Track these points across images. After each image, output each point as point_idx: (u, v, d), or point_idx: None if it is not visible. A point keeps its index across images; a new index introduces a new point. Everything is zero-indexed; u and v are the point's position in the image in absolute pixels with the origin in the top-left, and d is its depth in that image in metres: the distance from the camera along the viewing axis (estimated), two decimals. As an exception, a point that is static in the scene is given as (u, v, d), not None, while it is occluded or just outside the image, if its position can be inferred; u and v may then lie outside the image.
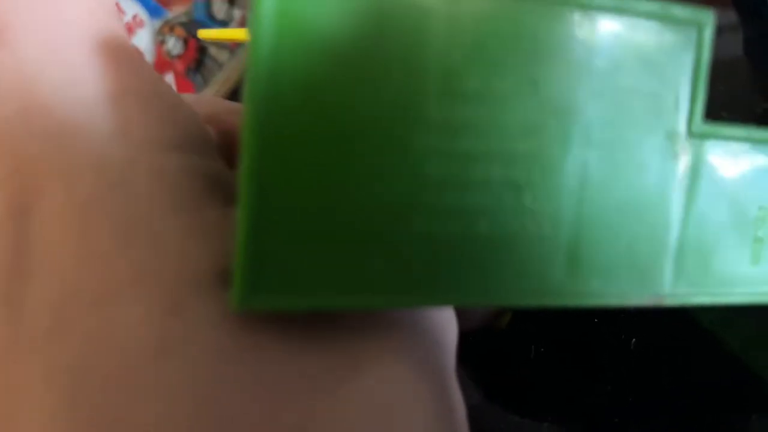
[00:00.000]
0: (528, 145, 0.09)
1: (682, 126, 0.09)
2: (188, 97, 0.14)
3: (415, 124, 0.08)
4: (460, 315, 0.13)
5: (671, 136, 0.09)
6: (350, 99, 0.08)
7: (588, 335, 0.22)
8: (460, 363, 0.12)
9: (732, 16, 0.34)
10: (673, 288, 0.10)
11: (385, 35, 0.08)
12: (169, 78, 0.40)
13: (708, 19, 0.09)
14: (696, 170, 0.10)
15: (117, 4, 0.11)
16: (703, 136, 0.10)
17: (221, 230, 0.09)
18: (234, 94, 0.40)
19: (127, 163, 0.09)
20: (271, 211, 0.08)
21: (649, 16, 0.09)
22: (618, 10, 0.09)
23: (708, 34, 0.09)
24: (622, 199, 0.09)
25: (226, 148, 0.13)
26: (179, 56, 0.41)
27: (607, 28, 0.09)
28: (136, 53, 0.11)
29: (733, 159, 0.10)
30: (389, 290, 0.08)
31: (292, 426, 0.08)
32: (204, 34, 0.13)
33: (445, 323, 0.12)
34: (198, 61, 0.43)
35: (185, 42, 0.42)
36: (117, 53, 0.10)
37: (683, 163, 0.10)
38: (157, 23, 0.43)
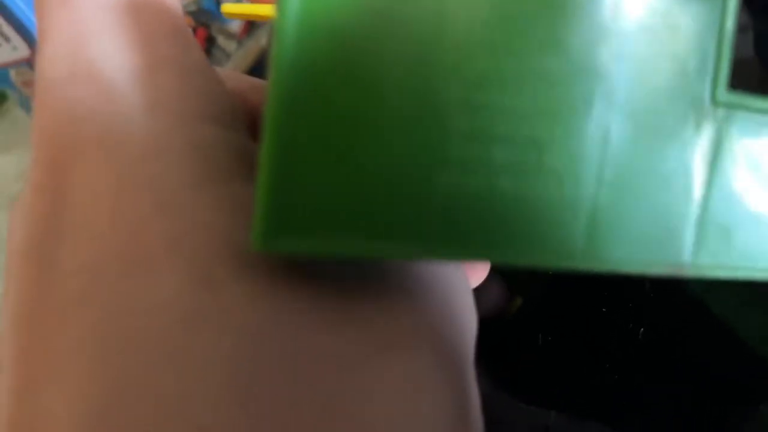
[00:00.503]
0: (552, 104, 0.09)
1: (706, 93, 0.09)
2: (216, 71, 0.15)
3: (442, 75, 0.08)
4: (475, 301, 0.13)
5: (695, 103, 0.09)
6: (376, 53, 0.08)
7: (596, 324, 0.22)
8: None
9: (742, 16, 0.34)
10: (694, 258, 0.10)
11: None
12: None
13: (734, -15, 0.09)
14: (719, 139, 0.10)
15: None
16: (728, 106, 0.10)
17: (248, 204, 0.09)
18: (251, 72, 0.40)
19: (164, 133, 0.09)
20: (296, 157, 0.08)
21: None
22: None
23: (732, 2, 0.09)
24: (644, 165, 0.09)
25: (251, 123, 0.13)
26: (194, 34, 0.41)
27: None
28: (180, 22, 0.11)
29: (757, 131, 0.10)
30: (409, 240, 0.08)
31: (321, 403, 0.08)
32: (229, 8, 0.13)
33: (468, 314, 0.12)
34: (206, 51, 0.43)
35: (194, 31, 0.42)
36: (161, 22, 0.10)
37: (707, 131, 0.10)
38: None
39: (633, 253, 0.09)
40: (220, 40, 0.43)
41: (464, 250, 0.08)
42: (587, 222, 0.09)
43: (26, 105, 0.40)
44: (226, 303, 0.08)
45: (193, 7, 0.42)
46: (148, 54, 0.10)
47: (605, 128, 0.09)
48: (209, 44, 0.44)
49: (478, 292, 0.15)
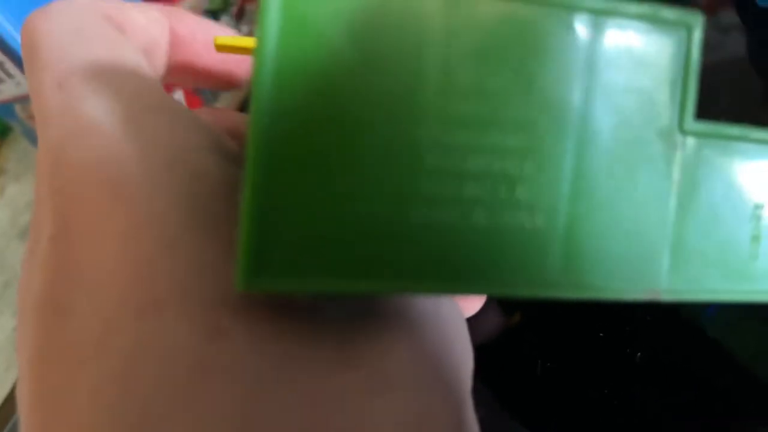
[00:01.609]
0: (522, 140, 0.09)
1: (674, 123, 0.10)
2: (209, 110, 0.15)
3: (415, 117, 0.08)
4: (471, 328, 0.13)
5: (664, 133, 0.10)
6: (351, 94, 0.08)
7: (594, 348, 0.22)
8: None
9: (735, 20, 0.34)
10: (670, 283, 0.10)
11: (384, 35, 0.08)
12: (179, 95, 0.40)
13: (696, 21, 0.10)
14: (690, 167, 0.10)
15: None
16: (696, 134, 0.10)
17: None
18: (243, 108, 0.41)
19: (163, 169, 0.10)
20: (274, 198, 0.08)
21: (640, 17, 0.09)
22: (609, 12, 0.09)
23: (697, 35, 0.10)
24: (617, 195, 0.10)
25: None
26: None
27: (599, 29, 0.09)
28: (154, 80, 0.12)
29: (727, 156, 0.10)
30: (387, 276, 0.08)
31: None
32: (221, 40, 0.15)
33: (464, 344, 0.12)
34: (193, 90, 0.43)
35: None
36: (140, 80, 0.11)
37: (677, 160, 0.10)
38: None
39: (609, 280, 0.10)
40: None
41: (442, 283, 0.09)
42: (562, 252, 0.09)
43: (31, 137, 0.41)
44: (234, 351, 0.08)
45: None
46: (135, 103, 0.10)
47: (577, 161, 0.09)
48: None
49: (474, 318, 0.15)
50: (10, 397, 0.35)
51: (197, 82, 0.16)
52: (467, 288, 0.09)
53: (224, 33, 0.15)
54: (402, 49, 0.08)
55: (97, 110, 0.10)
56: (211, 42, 0.15)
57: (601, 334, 0.22)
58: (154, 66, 0.14)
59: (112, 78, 0.11)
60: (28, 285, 0.10)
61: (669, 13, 0.09)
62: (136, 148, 0.10)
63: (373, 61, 0.08)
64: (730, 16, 0.33)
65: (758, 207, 0.11)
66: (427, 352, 0.10)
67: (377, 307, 0.10)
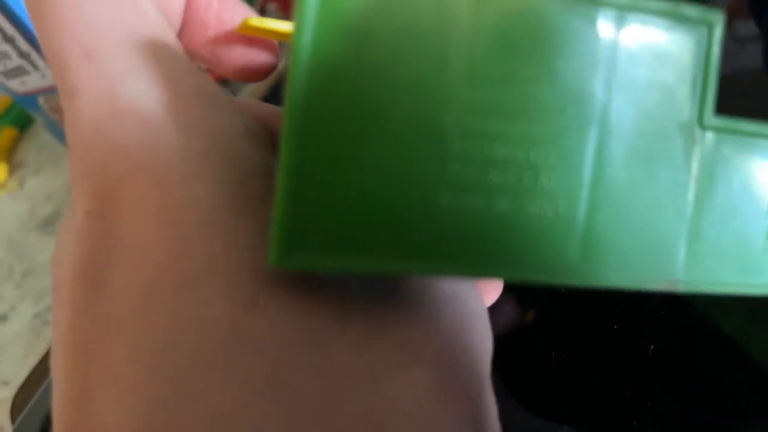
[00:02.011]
0: (546, 130, 0.09)
1: (694, 118, 0.10)
2: (236, 101, 0.15)
3: (443, 103, 0.09)
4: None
5: (684, 127, 0.10)
6: (380, 81, 0.09)
7: (608, 340, 0.22)
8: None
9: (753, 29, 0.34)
10: (687, 274, 0.10)
11: (413, 25, 0.09)
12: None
13: (718, 18, 0.10)
14: (709, 161, 0.10)
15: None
16: (715, 129, 0.10)
17: None
18: (266, 100, 0.41)
19: (202, 154, 0.10)
20: (308, 179, 0.08)
21: (662, 14, 0.10)
22: (633, 8, 0.09)
23: (718, 32, 0.10)
24: (637, 186, 0.10)
25: (275, 146, 0.13)
26: (207, 71, 0.42)
27: (623, 23, 0.09)
28: (190, 63, 0.11)
29: (744, 152, 0.11)
30: (412, 257, 0.09)
31: (357, 412, 0.09)
32: (252, 21, 0.14)
33: (484, 330, 0.12)
34: (223, 80, 0.44)
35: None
36: (179, 62, 0.11)
37: (696, 153, 0.10)
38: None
39: (627, 270, 0.10)
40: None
41: (465, 266, 0.09)
42: (582, 240, 0.10)
43: (53, 129, 0.42)
44: (269, 322, 0.09)
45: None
46: (175, 87, 0.11)
47: (599, 152, 0.10)
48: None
49: (492, 310, 0.15)
50: (27, 382, 0.36)
51: (198, 56, 0.15)
52: (489, 272, 0.09)
53: (243, 11, 0.14)
54: (430, 38, 0.09)
55: (136, 92, 0.10)
56: (225, 14, 0.14)
57: (615, 327, 0.22)
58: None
59: (145, 51, 0.11)
60: (64, 256, 0.10)
61: (691, 10, 0.10)
62: (176, 134, 0.10)
63: (402, 50, 0.09)
64: (745, 27, 0.33)
65: (772, 202, 0.11)
66: (448, 331, 0.11)
67: (400, 287, 0.11)
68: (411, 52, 0.09)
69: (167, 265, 0.09)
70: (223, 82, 0.44)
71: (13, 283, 0.41)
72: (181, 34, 0.14)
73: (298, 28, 0.08)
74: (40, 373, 0.35)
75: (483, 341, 0.12)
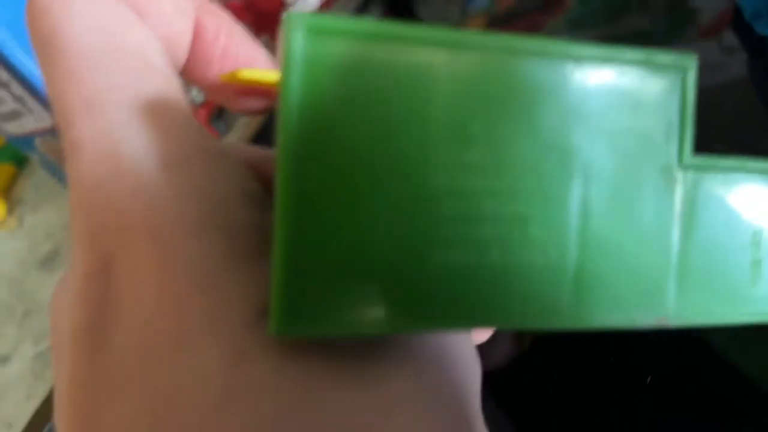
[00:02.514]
0: (531, 183, 0.10)
1: (673, 160, 0.10)
2: (226, 146, 0.15)
3: (429, 166, 0.09)
4: (484, 354, 0.13)
5: (664, 169, 0.10)
6: (369, 149, 0.09)
7: (604, 373, 0.22)
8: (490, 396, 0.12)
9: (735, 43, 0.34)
10: (677, 310, 0.11)
11: (397, 90, 0.09)
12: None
13: (691, 63, 0.10)
14: (691, 199, 0.11)
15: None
16: (695, 168, 0.11)
17: None
18: (257, 139, 0.42)
19: (200, 218, 0.10)
20: (303, 248, 0.09)
21: (635, 63, 0.10)
22: (606, 59, 0.10)
23: (692, 76, 0.10)
24: (623, 229, 0.10)
25: (266, 191, 0.14)
26: (202, 105, 0.42)
27: (598, 75, 0.10)
28: (191, 116, 0.12)
29: (725, 188, 0.11)
30: (409, 315, 0.09)
31: None
32: (245, 74, 0.14)
33: (472, 364, 0.12)
34: (220, 108, 0.44)
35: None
36: (179, 117, 0.11)
37: (678, 193, 0.11)
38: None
39: (619, 310, 0.10)
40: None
41: (463, 319, 0.09)
42: (573, 285, 0.10)
43: (50, 168, 0.42)
44: (258, 372, 0.09)
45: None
46: (176, 145, 0.11)
47: (583, 198, 0.10)
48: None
49: (486, 345, 0.16)
50: (31, 425, 0.36)
51: (199, 86, 0.15)
52: (486, 322, 0.09)
53: (249, 47, 0.14)
54: (412, 100, 0.09)
55: (137, 152, 0.10)
56: (230, 50, 0.14)
57: (611, 359, 0.22)
58: (173, 61, 0.13)
59: (149, 107, 0.11)
60: (63, 316, 0.11)
61: (664, 57, 0.10)
62: (176, 197, 0.10)
63: (385, 116, 0.09)
64: (734, 38, 0.33)
65: (757, 233, 0.11)
66: (433, 371, 0.11)
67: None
68: (394, 118, 0.09)
69: (164, 327, 0.09)
70: (219, 114, 0.44)
71: (14, 323, 0.42)
72: (185, 65, 0.14)
73: (285, 92, 0.09)
74: (42, 415, 0.35)
75: (471, 378, 0.12)
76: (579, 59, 0.10)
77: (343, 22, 0.09)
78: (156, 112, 0.11)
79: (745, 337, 0.22)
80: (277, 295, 0.08)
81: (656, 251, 0.10)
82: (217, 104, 0.44)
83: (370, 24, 0.09)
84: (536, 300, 0.10)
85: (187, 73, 0.14)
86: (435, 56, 0.09)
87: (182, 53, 0.13)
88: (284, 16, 0.09)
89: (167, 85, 0.11)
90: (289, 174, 0.09)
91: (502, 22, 0.43)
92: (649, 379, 0.21)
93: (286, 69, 0.09)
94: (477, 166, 0.09)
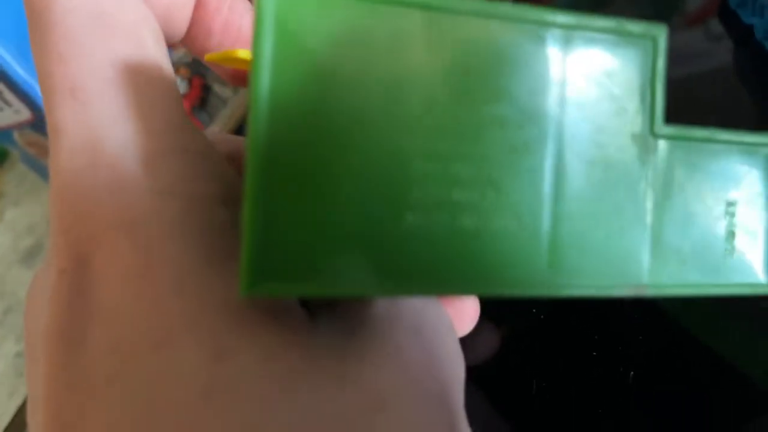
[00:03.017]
0: (505, 148, 0.10)
1: (645, 128, 0.10)
2: (209, 139, 0.15)
3: (400, 127, 0.09)
4: (468, 348, 0.13)
5: (636, 138, 0.10)
6: (341, 112, 0.09)
7: (588, 368, 0.23)
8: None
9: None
10: (652, 279, 0.11)
11: (370, 55, 0.09)
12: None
13: (661, 32, 0.10)
14: (663, 168, 0.11)
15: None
16: (667, 137, 0.11)
17: None
18: (240, 130, 0.41)
19: (179, 216, 0.10)
20: (273, 207, 0.09)
21: (607, 31, 0.10)
22: (578, 27, 0.10)
23: (662, 45, 0.10)
24: (597, 197, 0.10)
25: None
26: (185, 95, 0.42)
27: (570, 42, 0.10)
28: (182, 110, 0.11)
29: (697, 158, 0.11)
30: (382, 277, 0.09)
31: None
32: (211, 56, 0.14)
33: (455, 358, 0.12)
34: (203, 99, 0.44)
35: (189, 81, 0.44)
36: (167, 112, 0.11)
37: (650, 162, 0.11)
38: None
39: (594, 278, 0.10)
40: (216, 87, 0.45)
41: (435, 284, 0.09)
42: (548, 252, 0.10)
43: (29, 162, 0.41)
44: (240, 369, 0.09)
45: (188, 59, 0.44)
46: (159, 141, 0.10)
47: (557, 166, 0.10)
48: (206, 92, 0.45)
49: (470, 339, 0.15)
50: (13, 423, 0.35)
51: (199, 57, 0.14)
52: (458, 288, 0.09)
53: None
54: (387, 65, 0.09)
55: (117, 144, 0.10)
56: (232, 23, 0.13)
57: (594, 353, 0.22)
58: (172, 31, 0.13)
59: (134, 96, 0.10)
60: (37, 312, 0.10)
61: (634, 26, 0.10)
62: (155, 195, 0.10)
63: (361, 82, 0.09)
64: (720, 25, 0.33)
65: (731, 204, 0.11)
66: (415, 367, 0.11)
67: (365, 322, 0.11)
68: (370, 83, 0.09)
69: (142, 326, 0.09)
70: (201, 104, 0.44)
71: (-5, 319, 0.41)
72: (185, 35, 0.13)
73: (257, 64, 0.08)
74: (25, 413, 0.34)
75: (454, 371, 0.12)
76: (550, 25, 0.10)
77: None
78: (141, 103, 0.10)
79: (727, 328, 0.22)
80: (247, 254, 0.08)
81: (630, 220, 0.10)
82: (199, 95, 0.43)
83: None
84: (511, 267, 0.10)
85: (187, 44, 0.14)
86: (409, 20, 0.09)
87: (182, 23, 0.13)
88: None
89: (157, 71, 0.11)
90: (260, 134, 0.08)
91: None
92: (632, 374, 0.21)
93: (257, 33, 0.08)
94: (449, 130, 0.09)
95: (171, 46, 0.13)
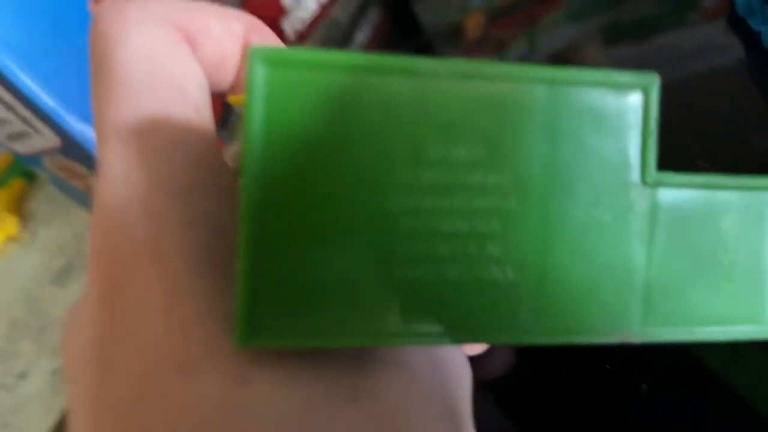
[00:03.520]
0: (488, 201, 0.10)
1: (636, 177, 0.10)
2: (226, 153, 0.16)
3: (386, 186, 0.09)
4: (482, 364, 0.13)
5: (626, 186, 0.10)
6: (328, 172, 0.09)
7: (601, 379, 0.23)
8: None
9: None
10: (642, 327, 0.11)
11: (358, 113, 0.09)
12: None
13: (652, 82, 0.10)
14: (654, 216, 0.11)
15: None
16: (658, 185, 0.11)
17: None
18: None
19: (205, 247, 0.11)
20: (265, 267, 0.09)
21: (596, 83, 0.10)
22: (565, 82, 0.10)
23: (654, 95, 0.10)
24: (586, 246, 0.10)
25: None
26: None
27: (559, 96, 0.10)
28: (213, 147, 0.12)
29: (689, 204, 0.11)
30: (373, 329, 0.09)
31: None
32: (234, 99, 0.15)
33: (461, 370, 0.13)
34: (223, 117, 0.45)
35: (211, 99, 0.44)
36: (197, 150, 0.12)
37: (643, 210, 0.11)
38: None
39: (581, 328, 0.10)
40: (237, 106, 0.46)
41: (423, 334, 0.10)
42: (533, 300, 0.10)
43: (59, 184, 0.43)
44: (257, 396, 0.10)
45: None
46: (190, 177, 0.11)
47: (544, 218, 0.10)
48: (226, 111, 0.46)
49: (486, 355, 0.16)
50: (48, 437, 0.37)
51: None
52: (444, 338, 0.10)
53: None
54: (373, 125, 0.09)
55: (152, 179, 0.11)
56: None
57: (607, 367, 0.22)
58: (220, 82, 0.14)
59: (172, 137, 0.11)
60: (77, 338, 0.11)
61: (624, 77, 0.10)
62: (181, 227, 0.11)
63: (348, 140, 0.09)
64: (726, 26, 0.33)
65: (725, 251, 0.11)
66: (424, 381, 0.11)
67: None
68: (353, 142, 0.09)
69: (169, 352, 0.10)
70: (222, 123, 0.45)
71: (30, 339, 0.42)
72: (234, 84, 0.15)
73: (248, 120, 0.09)
74: (61, 429, 0.35)
75: (462, 384, 0.12)
76: (540, 82, 0.10)
77: (303, 54, 0.09)
78: (177, 145, 0.11)
79: (735, 354, 0.22)
80: (240, 309, 0.09)
81: (620, 269, 0.10)
82: (220, 113, 0.44)
83: (328, 55, 0.09)
84: (495, 316, 0.10)
85: (235, 91, 0.15)
86: (394, 84, 0.09)
87: (231, 73, 0.14)
88: (248, 49, 0.09)
89: (197, 117, 0.12)
90: (252, 196, 0.09)
91: (502, 15, 0.43)
92: (644, 386, 0.21)
93: (248, 99, 0.09)
94: (433, 187, 0.09)
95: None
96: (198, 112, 0.12)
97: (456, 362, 0.13)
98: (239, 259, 0.09)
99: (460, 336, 0.10)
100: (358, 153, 0.09)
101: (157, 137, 0.11)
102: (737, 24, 0.32)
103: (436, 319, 0.10)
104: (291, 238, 0.09)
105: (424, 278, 0.10)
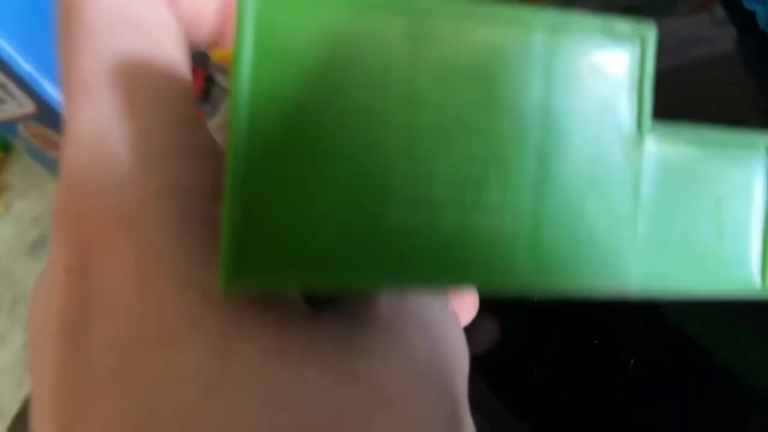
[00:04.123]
0: (486, 147, 0.10)
1: (633, 128, 0.10)
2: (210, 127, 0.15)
3: (382, 128, 0.09)
4: (469, 339, 0.13)
5: (624, 136, 0.10)
6: (322, 109, 0.09)
7: (589, 356, 0.23)
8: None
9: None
10: (638, 279, 0.11)
11: (353, 56, 0.09)
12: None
13: (650, 32, 0.10)
14: (650, 168, 0.11)
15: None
16: (655, 137, 0.11)
17: None
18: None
19: (180, 214, 0.10)
20: (254, 202, 0.09)
21: (594, 31, 0.10)
22: (563, 28, 0.10)
23: (651, 44, 0.10)
24: (582, 196, 0.10)
25: None
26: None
27: (556, 42, 0.10)
28: (192, 107, 0.11)
29: (686, 157, 0.11)
30: (363, 272, 0.09)
31: None
32: (217, 55, 0.15)
33: (460, 351, 0.12)
34: (205, 90, 0.44)
35: (193, 71, 0.44)
36: (176, 110, 0.11)
37: (638, 160, 0.11)
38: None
39: (577, 278, 0.10)
40: (219, 78, 0.45)
41: (413, 279, 0.09)
42: (529, 249, 0.10)
43: (34, 153, 0.42)
44: (243, 368, 0.09)
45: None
46: (165, 140, 0.10)
47: (541, 165, 0.10)
48: (209, 84, 0.45)
49: (471, 329, 0.16)
50: (21, 413, 0.36)
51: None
52: (436, 284, 0.10)
53: None
54: (369, 67, 0.09)
55: (121, 140, 0.10)
56: None
57: (595, 341, 0.22)
58: (196, 38, 0.13)
59: (143, 93, 0.11)
60: (44, 309, 0.10)
61: (622, 26, 0.10)
62: (156, 192, 0.10)
63: (342, 79, 0.09)
64: (723, 11, 0.33)
65: (720, 203, 0.11)
66: (420, 362, 0.11)
67: (369, 318, 0.11)
68: (353, 85, 0.09)
69: (145, 323, 0.09)
70: (205, 96, 0.44)
71: (3, 311, 0.42)
72: (213, 41, 0.14)
73: (237, 63, 0.09)
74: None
75: (459, 364, 0.12)
76: (535, 26, 0.10)
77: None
78: (150, 101, 0.11)
79: (718, 324, 0.22)
80: (226, 248, 0.08)
81: (616, 219, 0.10)
82: (202, 86, 0.43)
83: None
84: (491, 264, 0.10)
85: (213, 49, 0.14)
86: (391, 23, 0.09)
87: (209, 30, 0.14)
88: None
89: (171, 72, 0.11)
90: (240, 131, 0.09)
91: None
92: (632, 361, 0.21)
93: (238, 32, 0.09)
94: (429, 129, 0.09)
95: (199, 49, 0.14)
96: (175, 66, 0.11)
97: (455, 342, 0.12)
98: (227, 194, 0.09)
99: (452, 281, 0.10)
100: (353, 90, 0.09)
101: (130, 93, 0.10)
102: (731, 5, 0.32)
103: (429, 263, 0.09)
104: (281, 176, 0.09)
105: (418, 223, 0.09)
